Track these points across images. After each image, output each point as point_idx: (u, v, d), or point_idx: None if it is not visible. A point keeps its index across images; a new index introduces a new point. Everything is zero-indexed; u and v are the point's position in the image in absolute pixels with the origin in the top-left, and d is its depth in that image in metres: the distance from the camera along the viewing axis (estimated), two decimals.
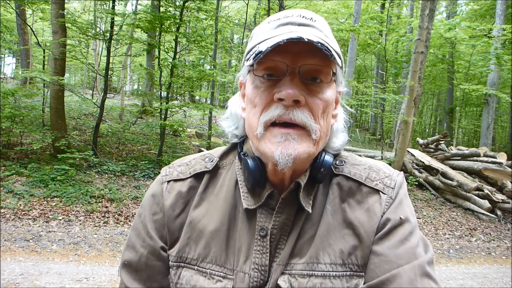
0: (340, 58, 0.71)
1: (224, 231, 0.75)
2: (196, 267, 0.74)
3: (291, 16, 0.72)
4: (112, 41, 8.18)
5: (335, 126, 0.78)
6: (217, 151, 0.85)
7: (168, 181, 0.81)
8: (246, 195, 0.75)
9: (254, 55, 0.66)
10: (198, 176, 0.81)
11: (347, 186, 0.76)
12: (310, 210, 0.72)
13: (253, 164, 0.72)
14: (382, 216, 0.72)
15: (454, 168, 8.61)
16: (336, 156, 0.80)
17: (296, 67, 0.67)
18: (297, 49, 0.66)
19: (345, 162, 0.79)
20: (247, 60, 0.71)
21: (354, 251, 0.70)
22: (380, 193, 0.74)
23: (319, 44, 0.63)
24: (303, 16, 0.72)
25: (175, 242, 0.77)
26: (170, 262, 0.77)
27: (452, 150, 9.51)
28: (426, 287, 0.66)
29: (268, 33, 0.70)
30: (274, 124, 0.68)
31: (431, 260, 0.70)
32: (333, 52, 0.65)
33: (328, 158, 0.74)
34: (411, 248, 0.69)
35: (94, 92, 14.22)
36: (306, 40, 0.62)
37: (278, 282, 0.70)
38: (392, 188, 0.75)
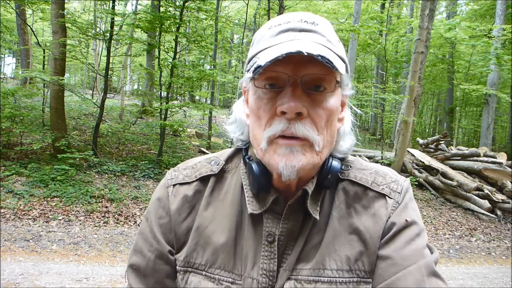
0: (345, 63, 0.69)
1: (231, 237, 0.74)
2: (204, 273, 0.74)
3: (292, 21, 0.69)
4: (112, 41, 8.18)
5: (342, 129, 0.77)
6: (223, 155, 0.85)
7: (174, 185, 0.81)
8: (251, 199, 0.74)
9: (253, 68, 0.64)
10: (203, 180, 0.80)
11: (353, 191, 0.75)
12: (318, 217, 0.72)
13: (258, 169, 0.72)
14: (387, 221, 0.71)
15: (454, 168, 8.61)
16: (342, 160, 0.79)
17: (297, 77, 0.65)
18: (298, 58, 0.63)
19: (351, 167, 0.78)
20: (248, 71, 0.69)
21: (361, 257, 0.70)
22: (387, 197, 0.74)
23: (320, 57, 0.61)
24: (305, 21, 0.69)
25: (182, 247, 0.77)
26: (177, 267, 0.77)
27: (452, 150, 9.51)
28: (434, 287, 0.64)
29: (268, 41, 0.69)
30: (276, 137, 0.68)
31: (437, 259, 0.70)
32: (335, 62, 0.63)
33: (335, 164, 0.73)
34: (417, 250, 0.68)
35: (94, 92, 14.23)
36: (306, 54, 0.60)
37: (284, 287, 0.70)
38: (399, 193, 0.74)
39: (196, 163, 0.84)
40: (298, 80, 0.65)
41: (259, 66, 0.62)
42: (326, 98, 0.68)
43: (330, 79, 0.67)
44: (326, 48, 0.66)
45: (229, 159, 0.84)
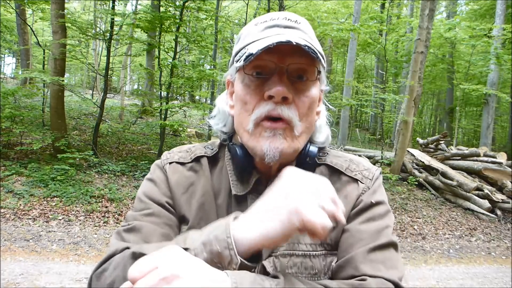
0: (323, 58, 0.76)
1: (222, 216, 0.77)
2: None
3: (277, 19, 0.76)
4: (112, 41, 8.18)
5: (318, 123, 0.83)
6: (216, 142, 0.90)
7: (170, 163, 0.84)
8: (235, 182, 0.80)
9: (244, 57, 0.70)
10: (198, 160, 0.85)
11: (328, 174, 0.81)
12: None
13: (241, 152, 0.77)
14: (356, 200, 0.78)
15: (454, 168, 8.60)
16: (320, 149, 0.85)
17: (284, 66, 0.71)
18: (284, 49, 0.69)
19: (328, 154, 0.85)
20: (237, 61, 0.75)
21: (330, 232, 0.74)
22: (359, 182, 0.80)
23: (307, 47, 0.68)
24: (288, 19, 0.76)
25: (185, 218, 0.79)
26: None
27: (452, 150, 9.50)
28: (369, 273, 0.67)
29: (256, 35, 0.74)
30: (262, 119, 0.73)
31: (391, 242, 0.73)
32: (318, 54, 0.71)
33: (313, 149, 0.80)
34: (376, 228, 0.74)
35: (94, 92, 14.24)
36: (295, 43, 0.67)
37: (263, 263, 0.73)
38: (370, 179, 0.81)
39: (190, 148, 0.89)
40: (284, 68, 0.71)
41: (250, 54, 0.68)
42: (309, 87, 0.74)
43: (313, 70, 0.74)
44: (309, 42, 0.73)
45: (221, 146, 0.89)
